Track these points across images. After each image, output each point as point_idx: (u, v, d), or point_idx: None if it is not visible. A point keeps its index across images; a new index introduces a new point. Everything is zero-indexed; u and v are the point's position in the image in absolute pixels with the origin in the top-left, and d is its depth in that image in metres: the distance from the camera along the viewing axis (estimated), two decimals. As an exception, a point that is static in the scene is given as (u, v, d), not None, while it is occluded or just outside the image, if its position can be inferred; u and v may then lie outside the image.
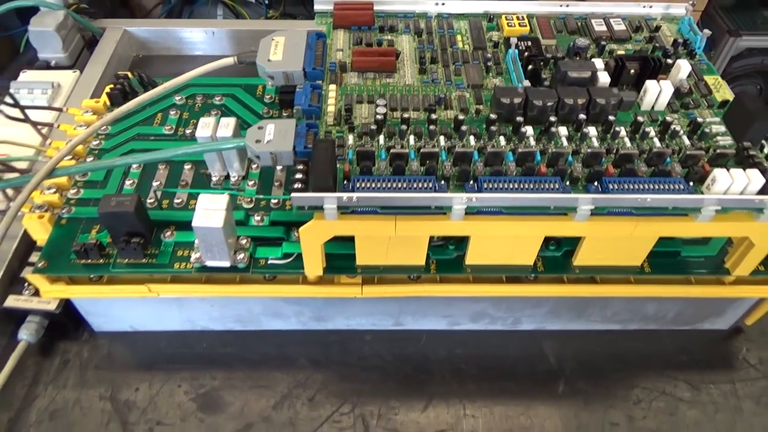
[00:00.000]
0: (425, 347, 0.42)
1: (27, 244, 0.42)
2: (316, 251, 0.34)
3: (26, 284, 0.41)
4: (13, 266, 0.42)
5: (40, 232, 0.38)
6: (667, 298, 0.40)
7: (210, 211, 0.33)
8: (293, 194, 0.30)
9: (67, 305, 0.40)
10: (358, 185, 0.31)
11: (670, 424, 0.38)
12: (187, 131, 0.44)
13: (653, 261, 0.37)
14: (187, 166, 0.41)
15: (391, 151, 0.33)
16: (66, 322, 0.41)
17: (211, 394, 0.39)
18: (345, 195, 0.30)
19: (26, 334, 0.40)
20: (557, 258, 0.37)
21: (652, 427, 0.38)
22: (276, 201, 0.39)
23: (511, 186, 0.31)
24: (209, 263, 0.35)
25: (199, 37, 0.63)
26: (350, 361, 0.41)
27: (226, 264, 0.35)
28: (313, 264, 0.35)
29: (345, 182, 0.32)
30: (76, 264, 0.36)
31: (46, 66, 0.57)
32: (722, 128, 0.36)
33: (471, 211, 0.32)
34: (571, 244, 0.37)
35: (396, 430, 0.38)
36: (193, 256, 0.36)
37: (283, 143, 0.33)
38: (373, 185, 0.31)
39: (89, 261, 0.36)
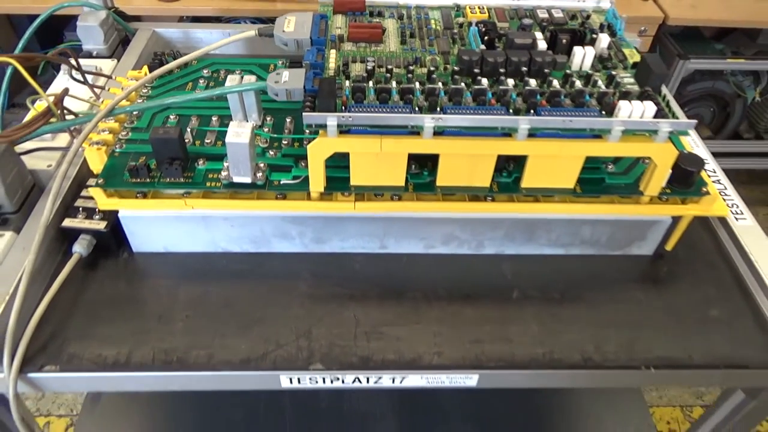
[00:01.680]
0: (406, 268, 0.51)
1: (80, 180, 0.52)
2: (319, 167, 0.44)
3: (80, 210, 0.50)
4: (68, 198, 0.51)
5: (98, 161, 0.47)
6: (597, 221, 0.50)
7: (239, 131, 0.43)
8: (304, 113, 0.41)
9: (112, 227, 0.49)
10: (353, 110, 0.41)
11: (598, 318, 0.48)
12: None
13: (583, 186, 0.47)
14: (214, 118, 0.52)
15: (378, 86, 0.43)
16: (110, 243, 0.50)
17: (232, 296, 0.48)
18: (343, 114, 0.41)
19: (79, 247, 0.49)
20: (509, 183, 0.47)
21: (582, 316, 0.47)
22: (286, 141, 0.49)
23: (468, 113, 0.42)
24: (235, 179, 0.45)
25: (216, 37, 0.74)
26: (344, 275, 0.50)
27: (248, 180, 0.45)
28: (317, 180, 0.45)
29: (343, 109, 0.42)
30: (128, 182, 0.46)
31: (89, 56, 0.68)
32: (632, 80, 0.47)
33: (439, 131, 0.42)
34: (519, 171, 0.47)
35: (380, 332, 0.46)
36: (222, 173, 0.45)
37: (296, 83, 0.44)
38: (364, 111, 0.41)
39: (138, 179, 0.46)
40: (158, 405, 0.71)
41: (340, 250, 0.52)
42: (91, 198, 0.50)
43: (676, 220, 0.51)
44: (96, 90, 0.59)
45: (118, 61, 0.68)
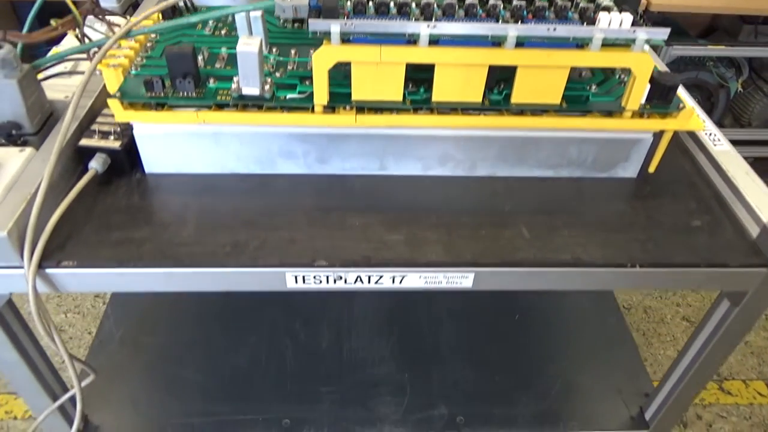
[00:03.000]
0: (406, 189, 0.54)
1: (96, 111, 0.55)
2: (323, 78, 0.47)
3: (96, 132, 0.53)
4: (84, 123, 0.54)
5: (114, 81, 0.50)
6: (583, 139, 0.53)
7: (248, 42, 0.46)
8: (310, 20, 0.44)
9: (126, 147, 0.52)
10: (354, 20, 0.45)
11: (586, 227, 0.50)
12: (222, 32, 0.58)
13: (569, 104, 0.51)
14: (223, 49, 0.55)
15: (377, 1, 0.47)
16: (124, 162, 0.53)
17: (240, 208, 0.51)
18: (345, 21, 0.44)
19: (95, 164, 0.51)
20: (499, 100, 0.51)
21: (571, 223, 0.50)
22: (291, 65, 0.53)
23: (460, 24, 0.46)
24: (244, 90, 0.48)
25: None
26: (346, 193, 0.53)
27: (257, 91, 0.48)
28: (321, 92, 0.48)
29: (345, 20, 0.46)
30: (144, 96, 0.49)
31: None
32: (610, 2, 0.51)
33: (434, 40, 0.45)
34: (509, 89, 0.50)
35: (381, 238, 0.49)
36: (232, 86, 0.49)
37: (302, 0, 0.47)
38: (365, 21, 0.45)
39: (153, 93, 0.49)
40: (165, 351, 0.73)
41: (341, 171, 0.55)
42: (107, 123, 0.53)
43: (656, 141, 0.54)
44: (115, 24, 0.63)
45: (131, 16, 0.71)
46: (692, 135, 0.60)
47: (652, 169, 0.56)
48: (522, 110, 0.51)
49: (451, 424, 0.68)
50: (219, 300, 0.81)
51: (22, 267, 0.45)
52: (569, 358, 0.76)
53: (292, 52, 0.55)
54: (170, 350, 0.74)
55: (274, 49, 0.55)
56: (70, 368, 0.50)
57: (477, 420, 0.69)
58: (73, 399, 0.54)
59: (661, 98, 0.51)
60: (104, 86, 0.60)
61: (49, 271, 0.45)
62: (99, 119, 0.55)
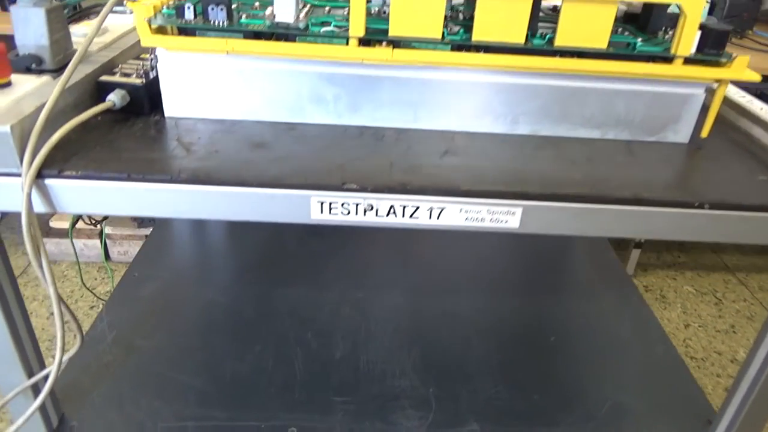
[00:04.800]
0: (441, 142, 0.50)
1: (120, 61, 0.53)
2: (361, 6, 0.45)
3: (119, 70, 0.51)
4: (109, 66, 0.52)
5: (143, 14, 0.49)
6: (631, 92, 0.50)
7: (287, -37, 0.45)
8: (352, -63, 0.43)
9: (147, 86, 0.50)
10: (397, -58, 0.44)
11: (644, 170, 0.46)
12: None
13: (615, 49, 0.48)
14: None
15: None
16: (143, 101, 0.50)
17: (265, 141, 0.47)
18: (388, -61, 0.43)
19: (113, 96, 0.48)
20: (542, 44, 0.49)
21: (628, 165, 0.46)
22: (327, 9, 0.51)
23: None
24: (278, 18, 0.46)
25: None
26: (378, 141, 0.49)
27: (291, 19, 0.46)
28: (358, 21, 0.46)
29: (387, -56, 0.45)
30: (174, 20, 0.47)
31: None
32: (654, -43, 0.50)
33: (477, -35, 0.44)
34: (553, 34, 0.48)
35: (417, 167, 0.44)
36: (267, 12, 0.47)
37: (342, -68, 0.47)
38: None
39: (183, 19, 0.47)
40: (161, 355, 0.65)
41: (372, 122, 0.51)
42: (132, 66, 0.52)
43: (707, 108, 0.51)
44: None
45: None
46: (735, 106, 0.57)
47: (704, 133, 0.52)
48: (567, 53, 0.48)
49: (485, 441, 0.58)
50: (225, 307, 0.74)
51: (19, 175, 0.40)
52: (615, 380, 0.67)
53: (327, 9, 0.54)
54: (167, 354, 0.66)
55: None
56: (56, 311, 0.44)
57: (514, 438, 0.59)
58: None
59: (713, 46, 0.48)
60: (132, 45, 0.59)
61: (48, 182, 0.41)
62: (124, 65, 0.53)
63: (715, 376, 1.23)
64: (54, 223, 1.48)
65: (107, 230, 1.44)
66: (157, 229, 0.91)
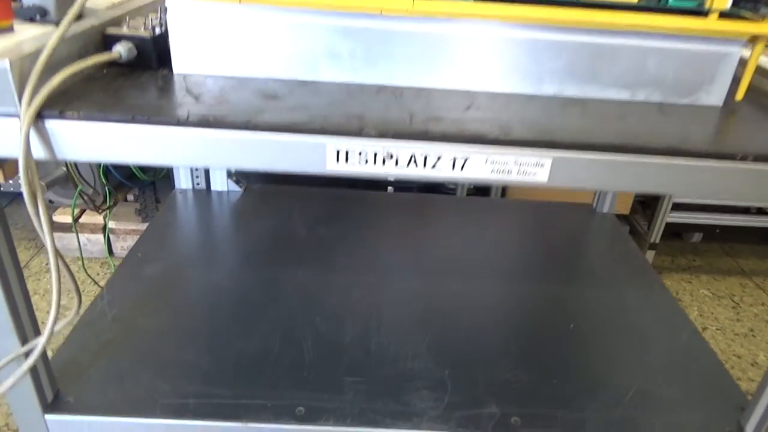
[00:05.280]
0: (461, 102, 0.48)
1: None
2: (381, -50, 0.43)
3: (127, 24, 0.49)
4: (117, 19, 0.50)
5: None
6: (663, 50, 0.47)
7: None
8: None
9: (155, 39, 0.47)
10: None
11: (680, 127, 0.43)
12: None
13: (647, 2, 0.46)
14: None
15: None
16: (151, 56, 0.48)
17: (275, 92, 0.44)
18: None
19: (119, 47, 0.46)
20: (571, -2, 0.46)
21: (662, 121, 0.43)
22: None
23: None
24: (294, -37, 0.44)
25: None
26: (394, 101, 0.47)
27: (307, -36, 0.44)
28: (377, -32, 0.44)
29: None
30: (185, -33, 0.45)
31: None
32: None
33: None
34: (582, -14, 0.46)
35: (439, 117, 0.42)
36: (282, -42, 0.45)
37: None
38: None
39: (195, -35, 0.45)
40: (163, 333, 0.62)
41: (388, 80, 0.49)
42: (141, 21, 0.49)
43: (740, 71, 0.48)
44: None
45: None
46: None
47: (739, 95, 0.50)
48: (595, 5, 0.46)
49: (504, 424, 0.55)
50: (232, 290, 0.71)
51: (18, 116, 0.38)
52: (640, 366, 0.63)
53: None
54: (169, 333, 0.63)
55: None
56: (53, 263, 0.41)
57: (536, 422, 0.55)
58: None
59: (750, 0, 0.46)
60: (145, 5, 0.57)
61: (49, 124, 0.38)
62: (132, 20, 0.51)
63: (735, 379, 1.18)
64: (57, 217, 1.46)
65: (111, 225, 1.41)
66: (162, 212, 0.89)
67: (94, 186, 1.43)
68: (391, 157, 0.40)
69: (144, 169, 1.44)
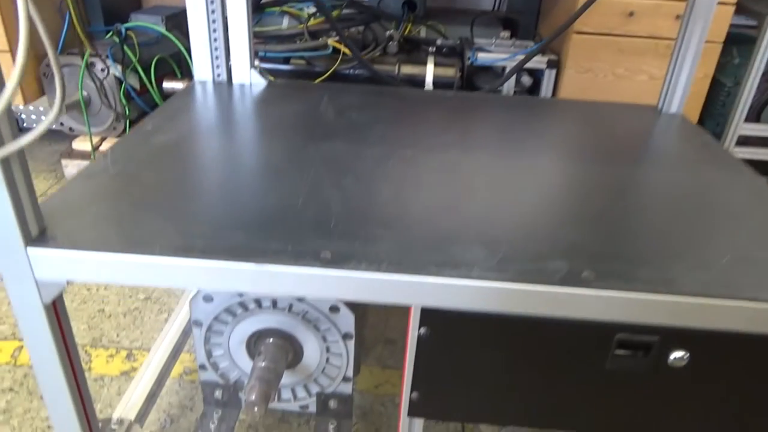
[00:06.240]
0: None
1: None
2: None
3: None
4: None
5: None
6: None
7: None
8: None
9: None
10: None
11: None
12: None
13: None
14: None
15: None
16: None
17: None
18: None
19: None
20: None
21: None
22: None
23: None
24: None
25: None
26: None
27: None
28: None
29: None
30: None
31: None
32: None
33: None
34: None
35: None
36: None
37: None
38: None
39: None
40: (172, 186, 0.54)
41: None
42: None
43: None
44: None
45: None
46: None
47: None
48: None
49: (573, 278, 0.45)
50: (250, 156, 0.62)
51: None
52: (733, 237, 0.52)
53: None
54: (177, 187, 0.55)
55: None
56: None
57: (612, 279, 0.45)
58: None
59: None
60: None
61: None
62: None
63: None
64: (77, 145, 1.40)
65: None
66: (177, 96, 0.80)
67: (114, 107, 1.37)
68: None
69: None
